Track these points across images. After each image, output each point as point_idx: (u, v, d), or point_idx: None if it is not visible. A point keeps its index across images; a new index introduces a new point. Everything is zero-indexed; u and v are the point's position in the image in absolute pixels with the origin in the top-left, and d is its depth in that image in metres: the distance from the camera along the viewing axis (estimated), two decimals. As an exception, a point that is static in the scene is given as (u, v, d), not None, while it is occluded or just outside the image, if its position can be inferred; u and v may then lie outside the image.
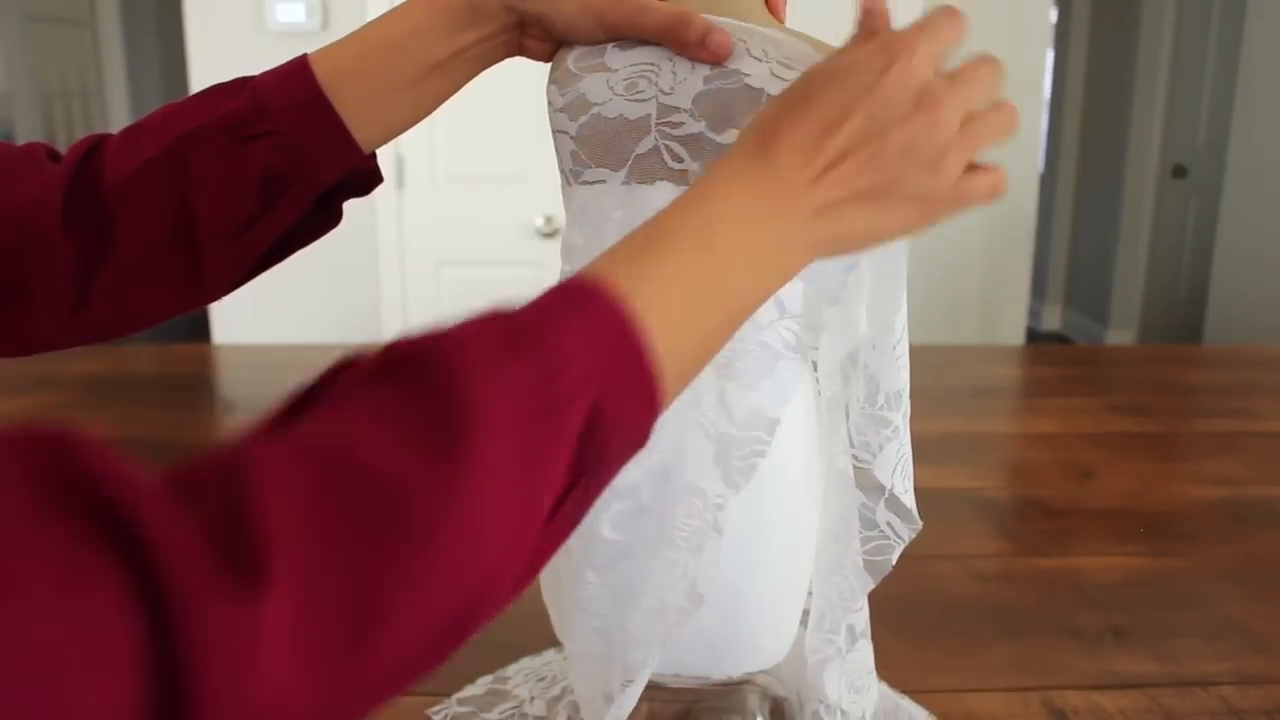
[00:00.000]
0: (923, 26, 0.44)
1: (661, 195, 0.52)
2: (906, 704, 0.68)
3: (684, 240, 0.41)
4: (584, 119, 0.52)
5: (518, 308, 0.37)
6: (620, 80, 0.52)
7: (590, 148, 0.53)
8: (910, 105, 0.42)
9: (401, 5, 0.55)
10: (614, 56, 0.52)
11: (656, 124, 0.51)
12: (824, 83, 0.43)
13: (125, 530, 0.26)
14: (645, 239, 0.41)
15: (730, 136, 0.51)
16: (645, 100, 0.51)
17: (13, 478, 0.26)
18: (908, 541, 0.59)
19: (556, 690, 0.67)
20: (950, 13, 0.44)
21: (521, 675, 0.70)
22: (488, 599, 0.34)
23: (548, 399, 0.35)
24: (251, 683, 0.27)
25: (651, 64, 0.52)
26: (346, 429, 0.32)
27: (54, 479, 0.26)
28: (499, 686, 0.70)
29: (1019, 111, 0.47)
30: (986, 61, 0.45)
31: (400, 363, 0.34)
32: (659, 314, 0.39)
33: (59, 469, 0.27)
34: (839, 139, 0.42)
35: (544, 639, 0.67)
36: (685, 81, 0.51)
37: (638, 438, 0.39)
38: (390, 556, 0.30)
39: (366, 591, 0.30)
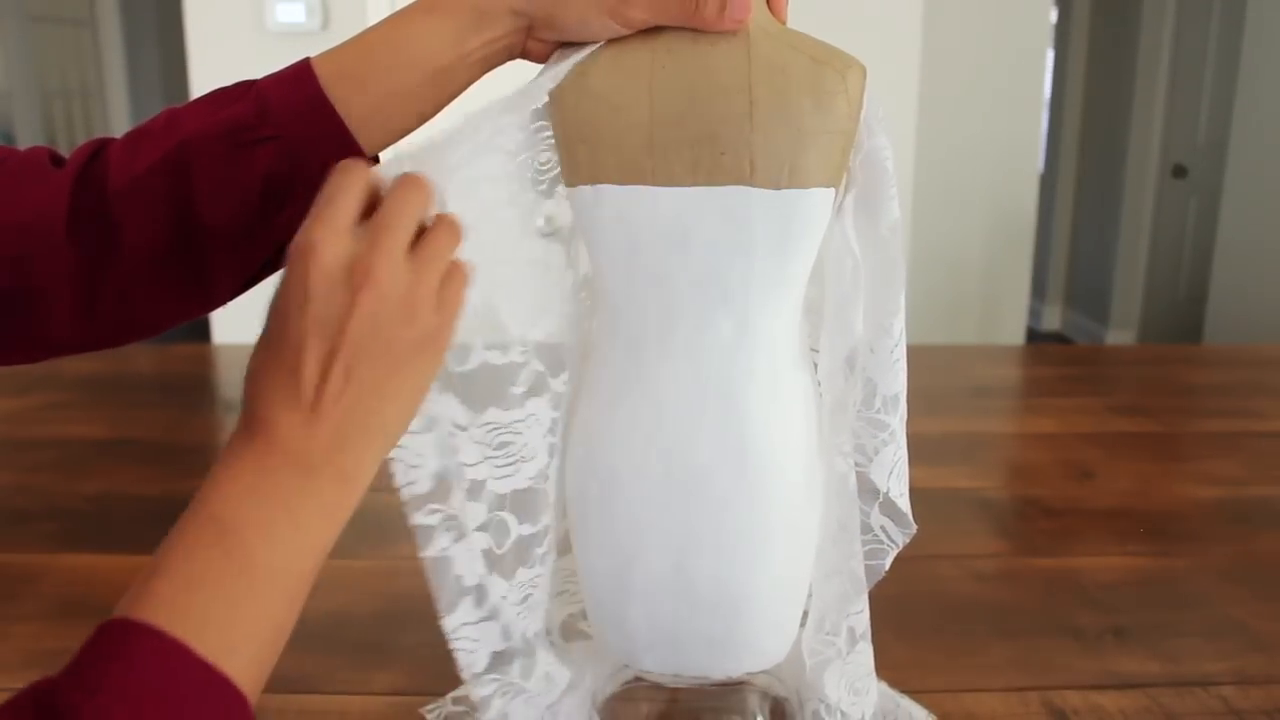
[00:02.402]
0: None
1: (667, 196, 0.52)
2: (906, 704, 0.68)
3: (200, 541, 0.39)
4: (585, 118, 0.52)
5: (58, 683, 0.35)
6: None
7: (593, 148, 0.53)
8: (344, 290, 0.41)
9: (404, 9, 0.54)
10: (616, 51, 0.52)
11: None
12: (272, 325, 0.42)
13: None
14: (163, 563, 0.39)
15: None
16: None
17: None
18: (901, 546, 0.59)
19: (554, 694, 0.67)
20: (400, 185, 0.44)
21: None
22: None
23: None
24: None
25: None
26: None
27: None
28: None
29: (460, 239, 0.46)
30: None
31: None
32: (201, 626, 0.37)
33: None
34: (307, 367, 0.41)
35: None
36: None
37: None
38: None
39: None
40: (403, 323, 0.42)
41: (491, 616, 0.57)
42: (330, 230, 0.42)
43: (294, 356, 0.41)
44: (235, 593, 0.39)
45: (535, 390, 0.58)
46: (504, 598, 0.57)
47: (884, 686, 0.67)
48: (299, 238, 0.42)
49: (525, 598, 0.59)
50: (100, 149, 0.54)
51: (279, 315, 0.42)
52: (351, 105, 0.53)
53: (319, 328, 0.41)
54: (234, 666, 0.37)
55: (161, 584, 0.38)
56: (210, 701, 0.37)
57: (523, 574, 0.59)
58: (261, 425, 0.41)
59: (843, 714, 0.61)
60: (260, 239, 0.54)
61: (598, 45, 0.53)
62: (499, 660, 0.59)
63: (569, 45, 0.54)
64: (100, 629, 0.37)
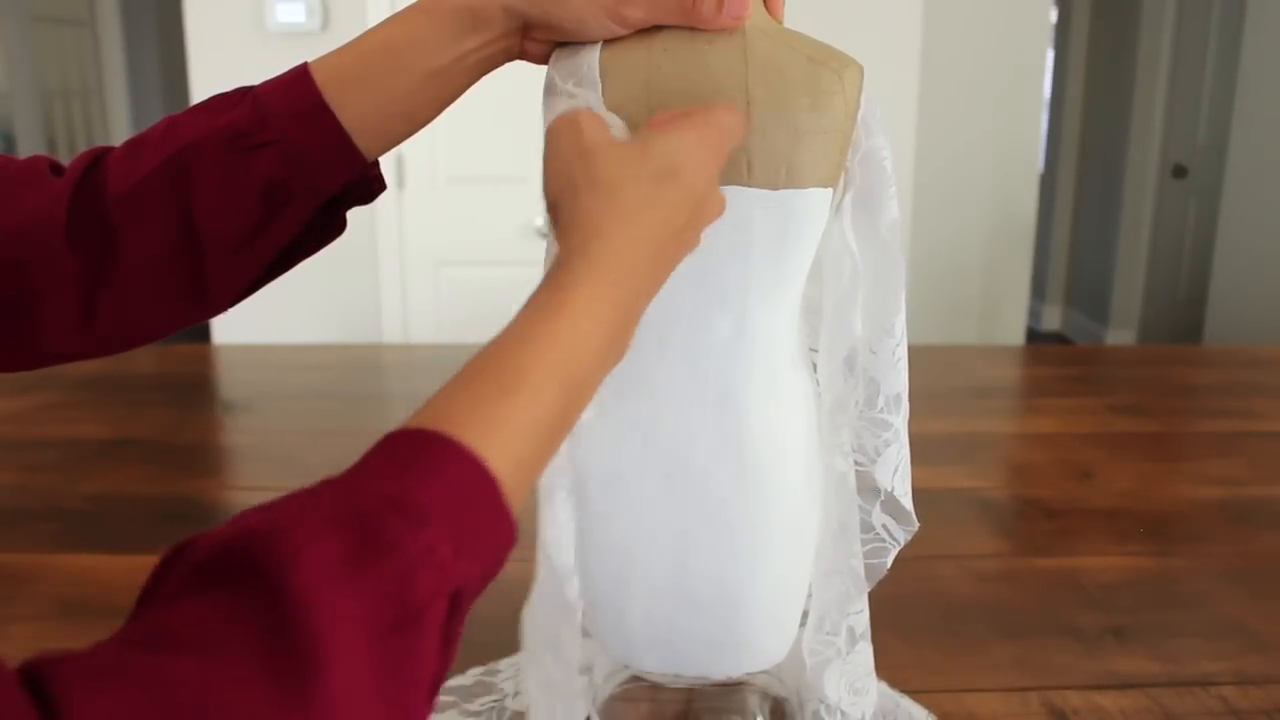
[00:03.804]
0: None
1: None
2: (906, 703, 0.68)
3: (543, 385, 0.40)
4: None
5: (360, 472, 0.35)
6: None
7: None
8: (615, 147, 0.45)
9: (402, 12, 0.54)
10: (613, 51, 0.52)
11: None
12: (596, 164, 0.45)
13: None
14: (498, 381, 0.39)
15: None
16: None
17: None
18: (903, 544, 0.59)
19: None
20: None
21: (511, 670, 0.70)
22: None
23: (400, 615, 0.32)
24: None
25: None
26: (177, 663, 0.29)
27: None
28: (487, 679, 0.70)
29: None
30: None
31: (234, 569, 0.31)
32: (513, 456, 0.38)
33: None
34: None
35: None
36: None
37: (493, 573, 0.37)
38: None
39: None
40: (670, 181, 0.45)
41: None
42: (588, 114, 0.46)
43: (570, 187, 0.44)
44: (557, 435, 0.40)
45: None
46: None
47: (884, 686, 0.67)
48: (557, 121, 0.46)
49: None
50: (100, 157, 0.54)
51: (558, 155, 0.45)
52: (350, 109, 0.53)
53: (592, 165, 0.44)
54: (516, 498, 0.38)
55: (492, 418, 0.38)
56: (500, 536, 0.37)
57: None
58: (616, 265, 0.43)
59: (843, 714, 0.61)
60: (259, 245, 0.54)
61: (597, 46, 0.53)
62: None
63: (566, 45, 0.54)
64: (416, 437, 0.36)
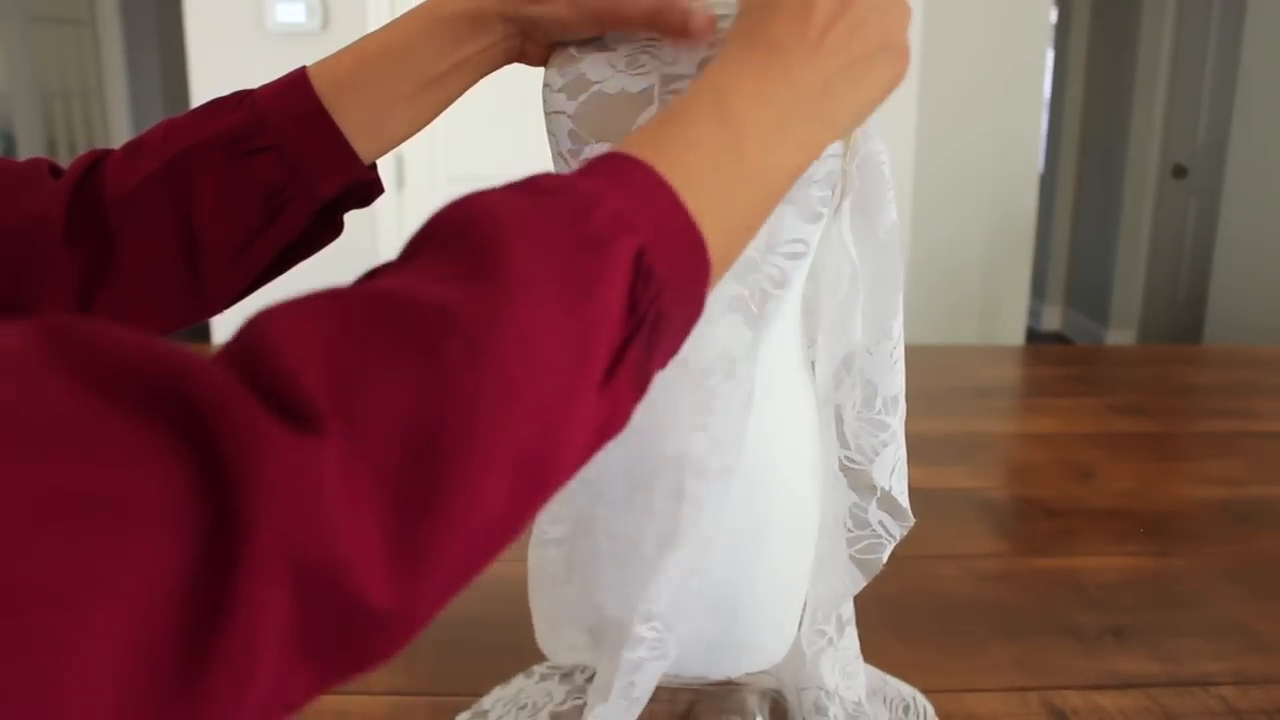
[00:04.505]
0: None
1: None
2: (894, 682, 0.69)
3: (700, 114, 0.41)
4: (583, 97, 0.52)
5: (583, 186, 0.37)
6: (621, 58, 0.52)
7: (589, 124, 0.52)
8: None
9: (400, 17, 0.54)
10: (614, 38, 0.53)
11: (660, 94, 0.51)
12: None
13: (161, 385, 0.25)
14: (661, 120, 0.41)
15: None
16: (647, 74, 0.51)
17: (38, 350, 0.25)
18: (899, 539, 0.59)
19: (544, 716, 0.66)
20: None
21: (500, 706, 0.69)
22: (555, 445, 0.32)
23: (583, 232, 0.34)
24: (317, 518, 0.26)
25: (653, 38, 0.52)
26: (369, 279, 0.32)
27: (80, 350, 0.25)
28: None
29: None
30: None
31: (430, 229, 0.35)
32: (687, 180, 0.38)
33: (85, 340, 0.25)
34: (819, 12, 0.44)
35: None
36: (689, 51, 0.51)
37: (692, 301, 0.38)
38: (440, 375, 0.29)
39: (422, 415, 0.28)
40: (894, 6, 0.46)
41: None
42: None
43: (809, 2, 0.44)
44: (726, 172, 0.40)
45: None
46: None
47: (869, 667, 0.68)
48: None
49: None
50: (98, 160, 0.54)
51: None
52: (348, 113, 0.53)
53: None
54: (709, 239, 0.39)
55: (667, 136, 0.40)
56: (685, 247, 0.38)
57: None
58: (767, 45, 0.43)
59: (840, 699, 0.62)
60: (257, 248, 0.54)
61: (600, 47, 0.53)
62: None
63: (563, 47, 0.54)
64: (622, 161, 0.38)
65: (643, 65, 0.52)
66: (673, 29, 0.50)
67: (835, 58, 0.44)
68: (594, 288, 0.34)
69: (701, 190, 0.39)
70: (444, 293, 0.31)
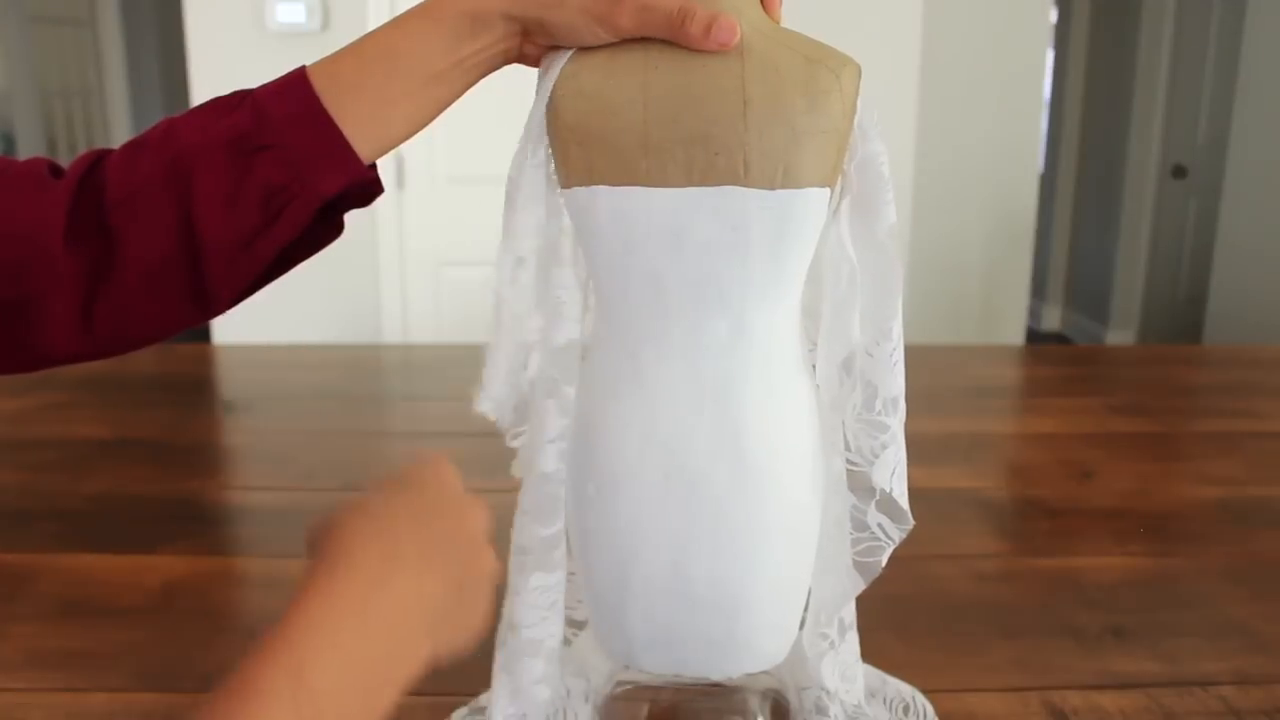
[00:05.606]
0: None
1: (660, 197, 0.52)
2: (894, 682, 0.69)
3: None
4: (579, 101, 0.52)
5: None
6: (619, 61, 0.52)
7: (583, 127, 0.52)
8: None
9: (400, 16, 0.54)
10: (610, 51, 0.52)
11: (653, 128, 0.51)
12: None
13: None
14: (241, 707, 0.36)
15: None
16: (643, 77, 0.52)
17: None
18: (898, 542, 0.59)
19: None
20: None
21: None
22: None
23: None
24: None
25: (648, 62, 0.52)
26: None
27: None
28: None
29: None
30: None
31: None
32: None
33: None
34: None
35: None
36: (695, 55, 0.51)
37: None
38: None
39: None
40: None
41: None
42: None
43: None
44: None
45: (549, 393, 0.58)
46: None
47: (869, 667, 0.68)
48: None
49: (553, 603, 0.60)
50: (99, 160, 0.54)
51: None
52: (348, 113, 0.53)
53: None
54: None
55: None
56: None
57: (539, 579, 0.59)
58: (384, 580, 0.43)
59: (841, 702, 0.62)
60: (258, 248, 0.54)
61: (598, 49, 0.53)
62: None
63: (560, 49, 0.54)
64: None
65: (640, 68, 0.52)
66: (695, 37, 0.50)
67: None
68: None
69: None
70: None
